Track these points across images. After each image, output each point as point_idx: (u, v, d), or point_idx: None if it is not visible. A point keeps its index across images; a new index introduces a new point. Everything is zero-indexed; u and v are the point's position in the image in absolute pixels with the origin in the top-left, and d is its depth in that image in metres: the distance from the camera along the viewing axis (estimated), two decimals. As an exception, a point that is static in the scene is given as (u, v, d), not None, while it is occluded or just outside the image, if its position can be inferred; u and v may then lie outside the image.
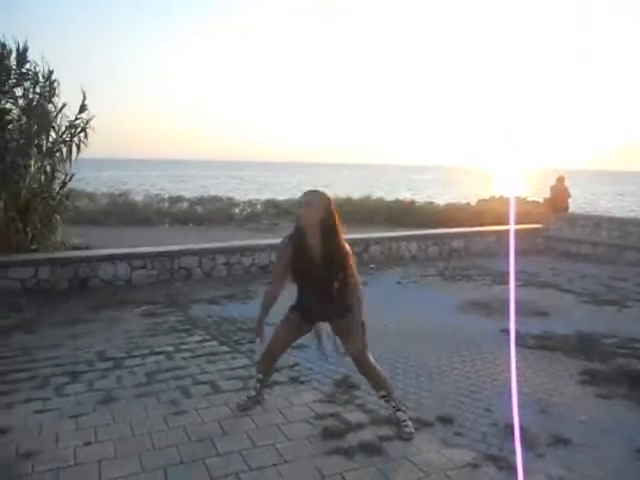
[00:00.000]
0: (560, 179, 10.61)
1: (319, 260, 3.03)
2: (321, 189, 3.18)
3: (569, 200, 10.65)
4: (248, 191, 33.01)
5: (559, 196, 10.51)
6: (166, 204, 14.79)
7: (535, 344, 4.72)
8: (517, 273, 8.05)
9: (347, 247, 3.10)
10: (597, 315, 5.77)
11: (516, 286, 7.26)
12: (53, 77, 6.86)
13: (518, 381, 3.89)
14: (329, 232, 3.02)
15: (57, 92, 6.96)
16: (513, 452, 2.91)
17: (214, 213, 14.45)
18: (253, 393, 3.42)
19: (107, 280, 6.66)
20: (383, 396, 3.20)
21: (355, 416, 3.30)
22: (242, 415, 3.29)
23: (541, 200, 16.80)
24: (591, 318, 5.61)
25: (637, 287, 7.19)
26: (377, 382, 3.21)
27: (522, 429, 3.13)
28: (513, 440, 3.04)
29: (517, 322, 5.45)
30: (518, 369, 4.13)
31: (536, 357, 4.41)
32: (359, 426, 3.17)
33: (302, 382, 3.83)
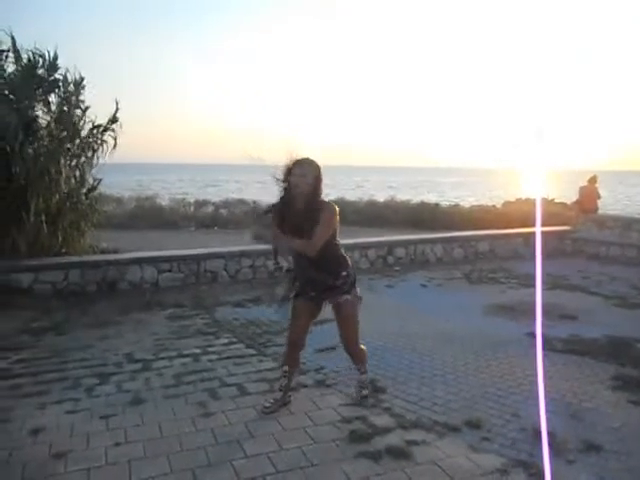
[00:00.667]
0: (591, 179, 10.38)
1: (304, 224, 3.08)
2: (311, 157, 3.18)
3: (598, 201, 10.43)
4: (270, 194, 33.06)
5: (588, 197, 10.29)
6: (192, 208, 14.99)
7: (563, 348, 4.63)
8: (544, 276, 7.93)
9: (330, 205, 3.14)
10: (627, 319, 5.64)
11: (543, 289, 7.15)
12: (83, 83, 7.02)
13: (546, 386, 3.83)
14: (314, 196, 3.11)
15: (84, 98, 7.12)
16: (543, 458, 2.87)
17: (239, 216, 14.57)
18: (279, 395, 3.44)
19: (135, 283, 6.77)
20: (363, 372, 3.58)
21: (382, 420, 3.29)
22: (268, 418, 3.31)
23: (568, 202, 16.50)
24: (621, 322, 5.48)
25: (670, 290, 7.00)
26: (362, 364, 3.58)
27: (552, 435, 3.09)
28: (542, 446, 3.01)
29: (544, 325, 5.38)
30: (546, 373, 4.07)
31: (564, 361, 4.33)
32: (386, 430, 3.16)
33: (328, 385, 3.83)
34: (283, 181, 3.17)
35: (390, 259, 8.77)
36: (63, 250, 6.82)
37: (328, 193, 3.45)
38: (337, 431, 3.16)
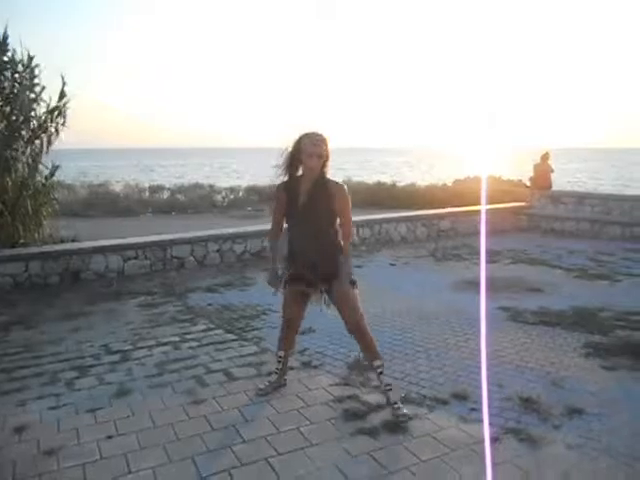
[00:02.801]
0: (544, 157, 10.75)
1: (311, 201, 3.04)
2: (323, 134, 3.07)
3: (552, 177, 10.82)
4: (220, 178, 32.42)
5: (542, 174, 10.66)
6: (147, 193, 14.57)
7: (535, 320, 4.82)
8: (506, 251, 8.21)
9: (340, 185, 3.10)
10: (590, 290, 5.92)
11: (506, 263, 7.42)
12: (33, 63, 6.63)
13: (524, 356, 3.99)
14: (323, 174, 3.06)
15: (38, 79, 6.74)
16: (530, 425, 3.00)
17: (196, 201, 14.30)
18: (274, 377, 3.44)
19: (99, 272, 6.56)
20: (378, 367, 3.16)
21: (373, 397, 3.33)
22: (261, 402, 3.30)
23: (517, 179, 17.03)
24: (584, 293, 5.75)
25: (624, 261, 7.38)
26: (373, 352, 3.20)
27: (536, 402, 3.24)
28: (529, 413, 3.14)
29: (513, 299, 5.59)
30: (522, 345, 4.24)
31: (538, 333, 4.50)
32: (379, 407, 3.21)
33: (315, 367, 3.85)
34: (291, 160, 3.08)
35: (355, 239, 8.83)
36: (22, 241, 6.50)
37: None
38: (331, 410, 3.19)
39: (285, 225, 3.26)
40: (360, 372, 3.72)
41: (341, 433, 2.93)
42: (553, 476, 2.55)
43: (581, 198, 10.10)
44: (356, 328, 3.15)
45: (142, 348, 4.26)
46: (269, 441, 2.85)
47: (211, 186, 16.22)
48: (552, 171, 10.78)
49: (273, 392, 3.40)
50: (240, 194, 15.92)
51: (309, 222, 3.07)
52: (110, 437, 2.91)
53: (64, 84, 7.03)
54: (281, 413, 3.16)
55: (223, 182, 22.44)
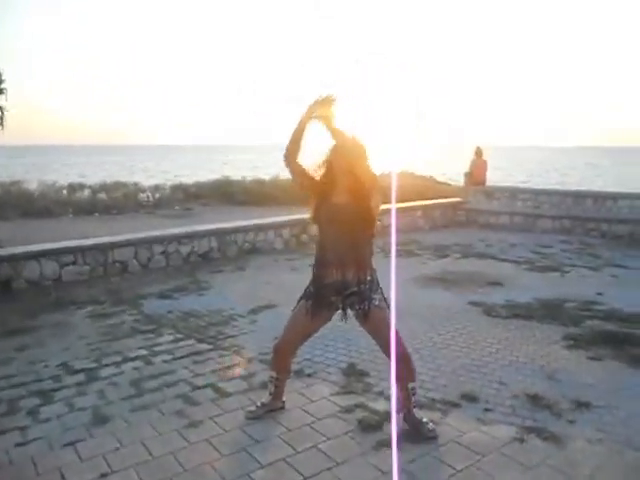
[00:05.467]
0: (478, 153, 11.12)
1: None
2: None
3: (486, 173, 11.23)
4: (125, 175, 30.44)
5: (478, 170, 11.03)
6: (65, 192, 13.43)
7: (508, 314, 4.88)
8: (453, 245, 8.37)
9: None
10: (545, 282, 6.13)
11: (457, 258, 7.54)
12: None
13: (513, 351, 4.00)
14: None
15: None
16: (547, 422, 2.96)
17: (121, 200, 13.38)
18: (267, 399, 3.08)
19: (33, 280, 5.86)
20: (412, 389, 2.85)
21: (381, 405, 3.17)
22: (266, 419, 3.01)
23: (429, 175, 17.52)
24: (541, 285, 5.94)
25: (564, 252, 7.77)
26: (412, 375, 2.86)
27: (543, 398, 3.22)
28: (540, 410, 3.11)
29: (479, 293, 5.65)
30: (507, 339, 4.26)
31: (515, 326, 4.55)
32: (390, 414, 3.04)
33: (309, 375, 3.61)
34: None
35: (304, 237, 8.62)
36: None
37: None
38: (344, 423, 2.98)
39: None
40: (357, 378, 3.54)
41: (363, 448, 2.73)
42: (589, 473, 2.51)
43: (514, 193, 10.57)
44: (398, 355, 2.76)
45: (108, 365, 3.80)
46: (290, 463, 2.59)
47: (136, 184, 15.28)
48: (486, 169, 11.19)
49: (266, 415, 3.04)
50: (167, 192, 15.13)
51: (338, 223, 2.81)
52: (105, 475, 2.51)
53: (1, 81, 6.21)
54: (292, 430, 2.90)
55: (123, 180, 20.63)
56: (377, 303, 2.83)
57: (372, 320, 2.82)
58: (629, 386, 3.41)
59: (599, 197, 9.57)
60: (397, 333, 2.82)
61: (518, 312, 4.90)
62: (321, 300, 2.86)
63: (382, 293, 2.89)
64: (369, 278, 2.83)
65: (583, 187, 18.13)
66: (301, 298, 2.96)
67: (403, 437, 2.80)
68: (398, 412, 2.83)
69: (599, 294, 5.44)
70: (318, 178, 2.87)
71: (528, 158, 79.94)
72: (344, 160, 2.75)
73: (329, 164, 2.82)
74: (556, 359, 3.85)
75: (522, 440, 2.79)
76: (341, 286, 2.81)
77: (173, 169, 44.56)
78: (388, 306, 2.90)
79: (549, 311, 4.91)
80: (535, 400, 3.21)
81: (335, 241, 2.78)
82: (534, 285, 5.91)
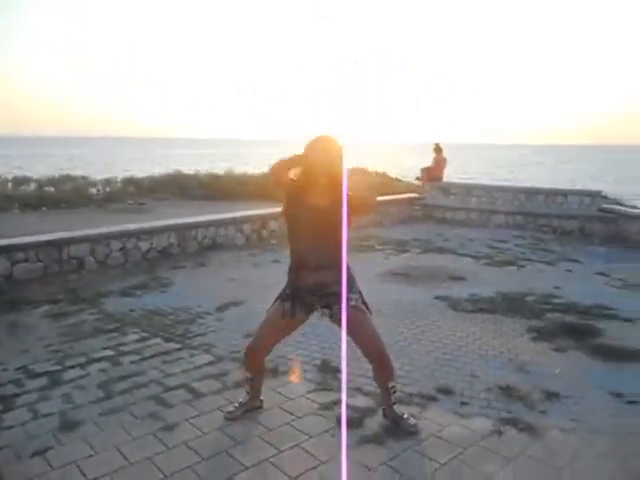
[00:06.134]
0: (437, 149, 11.31)
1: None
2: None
3: (444, 170, 11.43)
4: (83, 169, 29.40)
5: (437, 165, 11.22)
6: (9, 185, 12.74)
7: (473, 308, 4.98)
8: (412, 240, 8.49)
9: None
10: (504, 276, 6.30)
11: (418, 253, 7.65)
12: None
13: (482, 345, 4.09)
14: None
15: None
16: (521, 413, 3.04)
17: (70, 194, 12.81)
18: (245, 399, 3.02)
19: (-19, 279, 5.53)
20: (392, 387, 2.86)
21: (360, 401, 3.17)
22: (245, 419, 2.95)
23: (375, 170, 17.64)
24: (501, 279, 6.10)
25: (518, 247, 8.01)
26: (390, 373, 2.87)
27: (515, 389, 3.31)
28: (514, 402, 3.19)
29: (444, 288, 5.75)
30: (474, 333, 4.35)
31: (481, 320, 4.66)
32: (370, 411, 3.05)
33: (284, 373, 3.57)
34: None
35: (264, 233, 8.54)
36: None
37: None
38: (324, 420, 2.96)
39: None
40: (333, 375, 3.53)
41: (347, 444, 2.71)
42: (568, 461, 2.60)
43: (469, 189, 10.82)
44: (378, 357, 2.81)
45: (72, 367, 3.63)
46: (274, 464, 2.55)
47: (84, 177, 14.67)
48: (445, 165, 11.40)
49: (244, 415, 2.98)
50: (118, 186, 14.62)
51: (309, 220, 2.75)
52: (80, 484, 2.40)
53: None
54: (273, 430, 2.85)
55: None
56: (353, 303, 2.77)
57: (349, 321, 2.74)
58: (592, 376, 3.55)
59: (550, 193, 9.93)
60: (375, 333, 2.82)
61: (483, 306, 5.02)
62: (299, 302, 2.82)
63: (360, 293, 2.86)
64: (346, 277, 2.76)
65: (527, 184, 18.79)
66: (276, 299, 2.91)
67: (385, 433, 2.82)
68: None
69: (557, 288, 5.64)
70: (295, 178, 2.82)
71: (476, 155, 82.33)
72: (321, 161, 2.70)
73: (306, 165, 2.76)
74: (523, 351, 3.97)
75: (500, 432, 2.85)
76: (319, 287, 2.78)
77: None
78: (367, 306, 2.87)
79: (512, 304, 5.06)
80: (508, 392, 3.30)
81: (312, 242, 2.72)
82: (495, 279, 6.07)
